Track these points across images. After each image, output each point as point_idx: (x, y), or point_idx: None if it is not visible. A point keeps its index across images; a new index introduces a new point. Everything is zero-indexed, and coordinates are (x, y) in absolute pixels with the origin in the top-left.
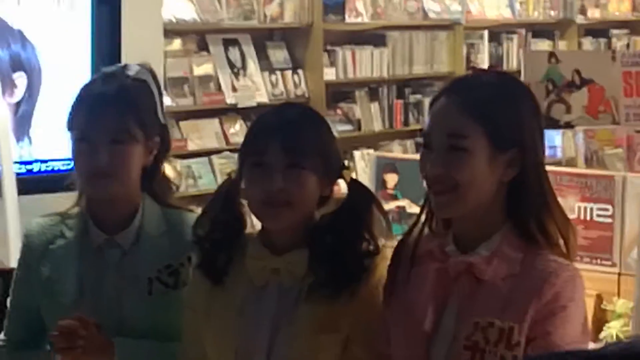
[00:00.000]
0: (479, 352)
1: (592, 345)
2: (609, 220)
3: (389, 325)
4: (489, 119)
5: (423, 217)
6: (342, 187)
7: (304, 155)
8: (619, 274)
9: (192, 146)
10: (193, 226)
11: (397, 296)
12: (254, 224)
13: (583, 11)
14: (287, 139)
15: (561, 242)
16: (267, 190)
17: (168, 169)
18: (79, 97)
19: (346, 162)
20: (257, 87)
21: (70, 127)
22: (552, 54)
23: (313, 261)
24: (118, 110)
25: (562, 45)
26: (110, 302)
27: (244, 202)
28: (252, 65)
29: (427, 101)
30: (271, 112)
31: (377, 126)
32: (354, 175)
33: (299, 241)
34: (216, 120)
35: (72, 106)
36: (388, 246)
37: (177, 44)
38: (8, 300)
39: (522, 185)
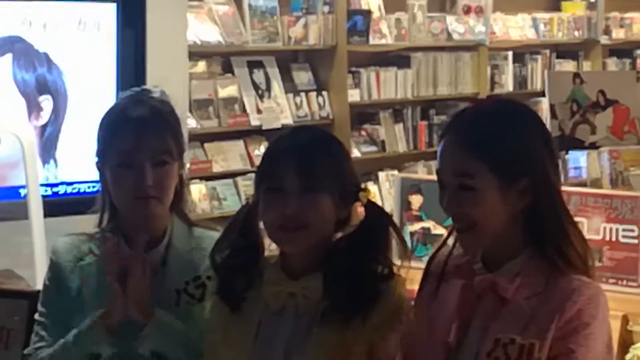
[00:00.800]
0: None
1: None
2: (635, 241)
3: (415, 339)
4: (492, 154)
5: (453, 236)
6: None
7: (318, 179)
8: None
9: (217, 168)
10: (211, 251)
11: (422, 311)
12: (273, 247)
13: (607, 31)
14: (301, 163)
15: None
16: (282, 214)
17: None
18: (114, 123)
19: (364, 185)
20: (281, 109)
21: (105, 153)
22: (576, 75)
23: (328, 285)
24: (159, 131)
25: (586, 65)
26: (140, 320)
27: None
28: (277, 87)
29: None
30: (285, 136)
31: (402, 147)
32: (377, 197)
33: (316, 265)
34: (241, 142)
35: (106, 133)
36: (405, 267)
37: (201, 66)
38: (36, 316)
39: (537, 212)
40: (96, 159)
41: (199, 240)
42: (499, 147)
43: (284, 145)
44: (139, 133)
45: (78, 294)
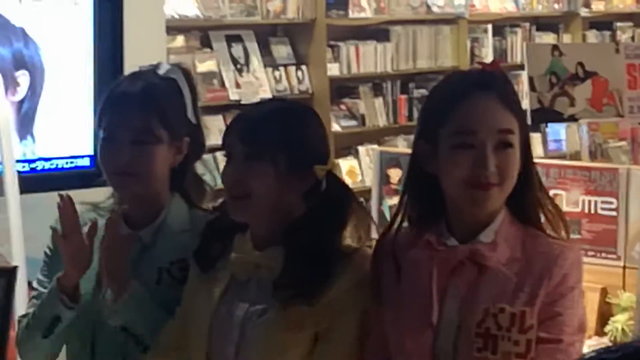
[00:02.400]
0: (491, 338)
1: (596, 339)
2: (614, 213)
3: (384, 321)
4: (519, 112)
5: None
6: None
7: (260, 146)
8: (624, 267)
9: None
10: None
11: (388, 291)
12: None
13: (587, 4)
14: (245, 129)
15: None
16: (228, 182)
17: (201, 169)
18: (106, 96)
19: (332, 160)
20: (260, 83)
21: (99, 126)
22: (555, 47)
23: (287, 258)
24: (141, 109)
25: (566, 38)
26: (112, 290)
27: None
28: (256, 61)
29: None
30: (247, 108)
31: (382, 121)
32: (357, 171)
33: (280, 237)
34: (220, 117)
35: (101, 104)
36: (368, 242)
37: (179, 40)
38: (34, 284)
39: (525, 172)
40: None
41: (195, 223)
42: (520, 106)
43: (241, 114)
44: (119, 109)
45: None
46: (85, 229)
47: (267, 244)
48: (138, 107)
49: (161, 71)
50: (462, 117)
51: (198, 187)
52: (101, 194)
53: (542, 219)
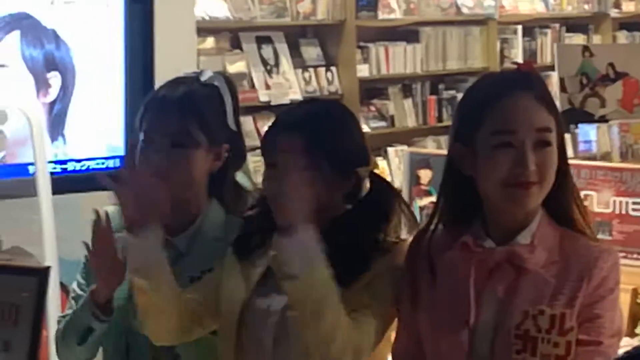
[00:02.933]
0: (531, 341)
1: (627, 340)
2: None
3: (419, 322)
4: (555, 111)
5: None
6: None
7: (305, 153)
8: None
9: None
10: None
11: (424, 293)
12: None
13: (617, 4)
14: (301, 134)
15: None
16: (273, 188)
17: (243, 178)
18: (147, 101)
19: (372, 159)
20: (290, 85)
21: (139, 130)
22: (585, 48)
23: (328, 257)
24: (179, 113)
25: (596, 39)
26: None
27: None
28: (285, 62)
29: (460, 97)
30: (290, 109)
31: (411, 122)
32: (386, 172)
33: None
34: (250, 118)
35: (142, 108)
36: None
37: (210, 42)
38: (74, 285)
39: (561, 175)
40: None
41: (229, 230)
42: (556, 106)
43: (281, 121)
44: (159, 113)
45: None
46: (123, 233)
47: None
48: (176, 110)
49: (203, 78)
50: (500, 116)
51: (237, 195)
52: None
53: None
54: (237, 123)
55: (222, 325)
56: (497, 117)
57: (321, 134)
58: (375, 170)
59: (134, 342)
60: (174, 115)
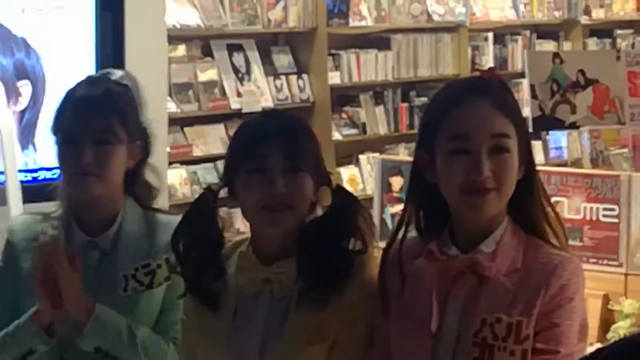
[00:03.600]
0: (487, 348)
1: (598, 346)
2: (615, 220)
3: (389, 331)
4: (516, 117)
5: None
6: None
7: (303, 159)
8: (626, 274)
9: (197, 152)
10: (172, 241)
11: (394, 301)
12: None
13: (587, 11)
14: (287, 143)
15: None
16: (268, 194)
17: (152, 176)
18: (63, 101)
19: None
20: (262, 92)
21: (56, 130)
22: (556, 55)
23: (301, 267)
24: (103, 111)
25: (566, 46)
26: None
27: (223, 212)
28: (257, 70)
29: None
30: (260, 119)
31: (383, 129)
32: (358, 180)
33: (288, 249)
34: (221, 126)
35: (57, 110)
36: (375, 247)
37: (181, 50)
38: None
39: (527, 181)
40: (52, 132)
41: (151, 226)
42: (518, 112)
43: (266, 126)
44: (81, 111)
45: (28, 271)
46: (41, 239)
47: (276, 257)
48: (100, 108)
49: (115, 77)
50: (456, 122)
51: (148, 191)
52: None
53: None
54: (145, 121)
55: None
56: (453, 123)
57: (312, 141)
58: (337, 182)
59: (69, 356)
60: (98, 113)
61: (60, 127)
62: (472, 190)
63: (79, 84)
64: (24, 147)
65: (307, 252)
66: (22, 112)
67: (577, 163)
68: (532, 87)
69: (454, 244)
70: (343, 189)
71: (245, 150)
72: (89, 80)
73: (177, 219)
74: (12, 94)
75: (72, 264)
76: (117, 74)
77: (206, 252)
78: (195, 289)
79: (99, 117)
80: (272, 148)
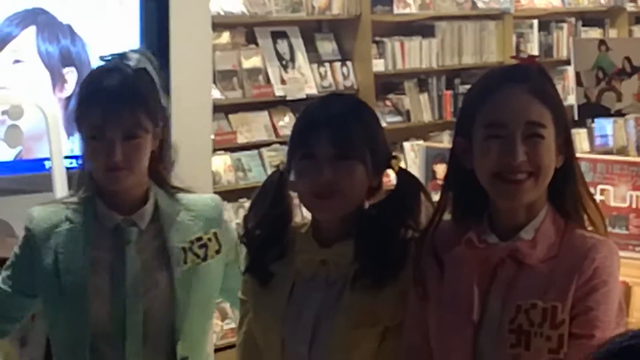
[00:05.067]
0: (524, 335)
1: None
2: None
3: (428, 318)
4: (554, 105)
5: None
6: (392, 178)
7: (352, 146)
8: None
9: (241, 139)
10: (243, 221)
11: (432, 288)
12: (304, 215)
13: None
14: (335, 130)
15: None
16: (317, 182)
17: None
18: (86, 95)
19: (394, 153)
20: (305, 80)
21: (81, 124)
22: (602, 42)
23: (359, 251)
24: (130, 106)
25: (612, 33)
26: (136, 278)
27: (293, 194)
28: (301, 57)
29: None
30: (318, 104)
31: (427, 117)
32: (403, 166)
33: (347, 232)
34: (265, 113)
35: (80, 102)
36: None
37: (225, 37)
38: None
39: (567, 171)
40: (74, 121)
41: (184, 204)
42: (556, 100)
43: (318, 113)
44: (109, 107)
45: (52, 261)
46: (64, 226)
47: (334, 240)
48: (128, 102)
49: (132, 62)
50: (491, 110)
51: (168, 169)
52: None
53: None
54: (164, 98)
55: (266, 351)
56: (489, 110)
57: (364, 127)
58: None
59: None
60: (126, 109)
61: (87, 123)
62: (507, 179)
63: (98, 75)
64: (69, 133)
65: (365, 236)
66: (68, 99)
67: (622, 151)
68: (577, 74)
69: (493, 231)
70: (406, 172)
71: (298, 137)
72: (107, 70)
73: (203, 196)
74: (58, 80)
75: None
76: (133, 57)
77: (271, 231)
78: (256, 268)
79: (127, 113)
80: (321, 136)
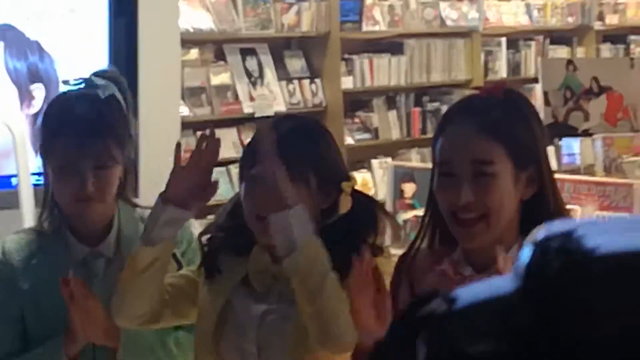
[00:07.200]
0: None
1: None
2: None
3: None
4: (509, 138)
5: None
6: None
7: (292, 168)
8: None
9: None
10: (200, 233)
11: None
12: None
13: (601, 17)
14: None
15: None
16: (256, 204)
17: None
18: (55, 124)
19: (351, 174)
20: (274, 97)
21: (48, 151)
22: (570, 62)
23: None
24: (101, 137)
25: (580, 51)
26: (106, 309)
27: None
28: (270, 74)
29: (444, 109)
30: (263, 124)
31: (395, 134)
32: (370, 184)
33: None
34: (234, 130)
35: (48, 132)
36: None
37: (194, 53)
38: None
39: (540, 201)
40: (40, 149)
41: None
42: (514, 132)
43: (254, 140)
44: (80, 138)
45: (31, 293)
46: (38, 257)
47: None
48: (97, 134)
49: (100, 90)
50: (441, 147)
51: (134, 188)
52: None
53: None
54: (132, 120)
55: (198, 338)
56: (439, 148)
57: (309, 147)
58: (355, 186)
59: None
60: (96, 140)
61: (56, 152)
62: (458, 219)
63: (66, 103)
64: (36, 150)
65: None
66: (35, 116)
67: (589, 169)
68: (545, 94)
69: (469, 264)
70: (361, 193)
71: (243, 156)
72: (77, 97)
73: None
74: (26, 97)
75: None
76: (99, 83)
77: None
78: (209, 267)
79: (98, 144)
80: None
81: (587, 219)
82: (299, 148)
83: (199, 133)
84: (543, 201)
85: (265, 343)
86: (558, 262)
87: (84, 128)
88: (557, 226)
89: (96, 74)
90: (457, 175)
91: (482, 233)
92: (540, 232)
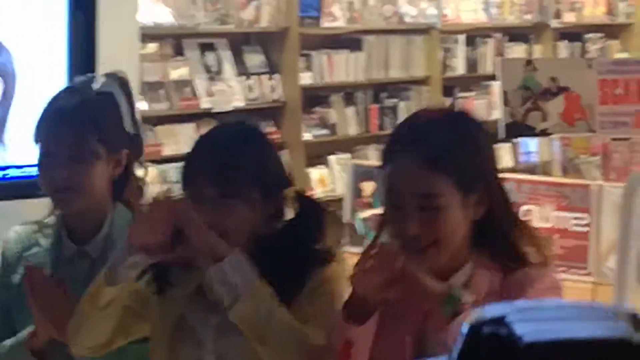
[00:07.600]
0: None
1: None
2: (585, 229)
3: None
4: (454, 166)
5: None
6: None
7: (233, 185)
8: (595, 284)
9: (167, 151)
10: None
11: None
12: None
13: (558, 15)
14: (216, 172)
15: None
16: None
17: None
18: (43, 111)
19: (291, 177)
20: (233, 92)
21: (36, 140)
22: (528, 62)
23: (264, 276)
24: (76, 127)
25: (537, 49)
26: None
27: None
28: (229, 69)
29: (403, 105)
30: (203, 138)
31: (353, 130)
32: (328, 181)
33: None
34: (192, 125)
35: (38, 119)
36: (348, 253)
37: (153, 48)
38: None
39: (491, 217)
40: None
41: None
42: (459, 158)
43: (201, 153)
44: (56, 126)
45: (19, 283)
46: (33, 250)
47: None
48: (73, 123)
49: (97, 85)
50: (388, 176)
51: (139, 192)
52: None
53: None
54: (136, 125)
55: (153, 352)
56: (387, 176)
57: (248, 163)
58: (299, 189)
59: None
60: (71, 128)
61: (38, 138)
62: (408, 248)
63: (60, 93)
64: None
65: (263, 266)
66: None
67: (546, 168)
68: (505, 93)
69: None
70: (306, 198)
71: (183, 178)
72: (69, 89)
73: None
74: None
75: (61, 288)
76: (100, 80)
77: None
78: (159, 275)
79: (72, 134)
80: (203, 177)
81: (516, 304)
82: (239, 166)
83: (157, 128)
84: (494, 216)
85: (224, 352)
86: (489, 347)
87: (64, 118)
88: (489, 311)
89: (104, 74)
90: (403, 207)
91: (434, 257)
92: (473, 316)
